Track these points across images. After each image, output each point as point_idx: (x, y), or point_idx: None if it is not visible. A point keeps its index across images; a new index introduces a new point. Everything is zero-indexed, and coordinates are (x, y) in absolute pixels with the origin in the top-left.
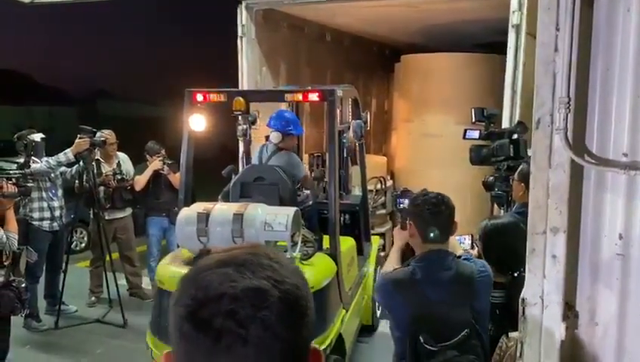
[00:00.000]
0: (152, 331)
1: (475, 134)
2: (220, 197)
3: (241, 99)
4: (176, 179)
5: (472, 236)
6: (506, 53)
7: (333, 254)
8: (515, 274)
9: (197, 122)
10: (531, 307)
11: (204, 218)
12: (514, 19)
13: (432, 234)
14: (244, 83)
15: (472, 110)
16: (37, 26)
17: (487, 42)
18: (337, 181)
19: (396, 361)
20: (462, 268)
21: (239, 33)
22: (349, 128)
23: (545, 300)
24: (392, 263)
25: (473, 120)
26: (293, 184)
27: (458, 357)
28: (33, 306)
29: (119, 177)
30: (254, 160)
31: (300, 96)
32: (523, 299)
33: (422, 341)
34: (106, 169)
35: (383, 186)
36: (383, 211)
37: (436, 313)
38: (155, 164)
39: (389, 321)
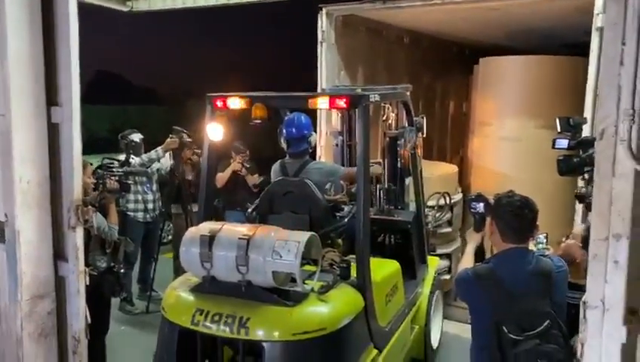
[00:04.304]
0: None
1: (564, 143)
2: (248, 211)
3: (261, 105)
4: (251, 179)
5: (547, 235)
6: None
7: (361, 285)
8: None
9: (215, 131)
10: (592, 310)
11: (206, 241)
12: (597, 21)
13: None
14: (324, 87)
15: (558, 120)
16: (129, 30)
17: (575, 43)
18: (367, 198)
19: (477, 352)
20: (541, 263)
21: (319, 39)
22: (403, 135)
23: (606, 304)
24: (466, 264)
25: (559, 130)
26: (325, 199)
27: (541, 346)
28: (128, 291)
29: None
30: (274, 176)
31: (325, 102)
32: (584, 302)
33: (506, 330)
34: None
35: (448, 201)
36: (449, 229)
37: (517, 305)
38: (234, 165)
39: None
